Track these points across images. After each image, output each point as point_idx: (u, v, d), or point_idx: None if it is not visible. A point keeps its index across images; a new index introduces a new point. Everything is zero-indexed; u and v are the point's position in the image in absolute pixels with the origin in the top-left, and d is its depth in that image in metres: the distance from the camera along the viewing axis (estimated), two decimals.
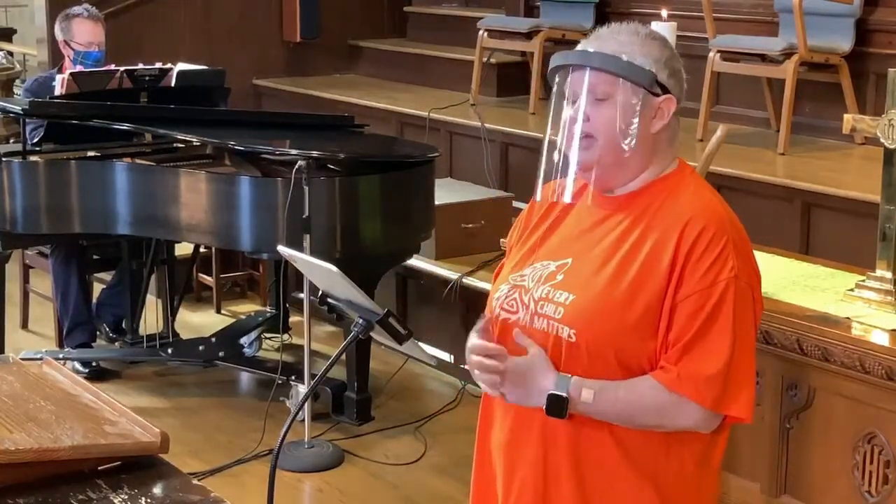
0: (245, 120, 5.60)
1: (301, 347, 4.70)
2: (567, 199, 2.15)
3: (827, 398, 3.04)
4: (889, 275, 3.07)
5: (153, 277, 5.38)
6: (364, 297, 2.48)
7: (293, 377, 4.70)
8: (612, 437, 2.08)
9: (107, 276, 5.75)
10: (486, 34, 6.60)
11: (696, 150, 5.15)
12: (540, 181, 2.17)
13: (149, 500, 2.00)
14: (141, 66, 5.23)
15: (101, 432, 2.13)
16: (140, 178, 4.74)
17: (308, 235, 4.32)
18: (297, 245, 4.12)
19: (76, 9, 5.50)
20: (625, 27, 2.15)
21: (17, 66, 8.65)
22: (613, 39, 2.12)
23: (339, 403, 4.82)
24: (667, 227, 2.07)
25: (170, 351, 5.17)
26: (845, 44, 5.34)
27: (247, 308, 6.19)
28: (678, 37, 3.86)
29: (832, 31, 5.36)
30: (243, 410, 4.92)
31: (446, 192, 5.37)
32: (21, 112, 4.92)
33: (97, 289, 5.69)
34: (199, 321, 6.01)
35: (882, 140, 3.05)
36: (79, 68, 5.28)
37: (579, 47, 2.16)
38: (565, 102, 2.13)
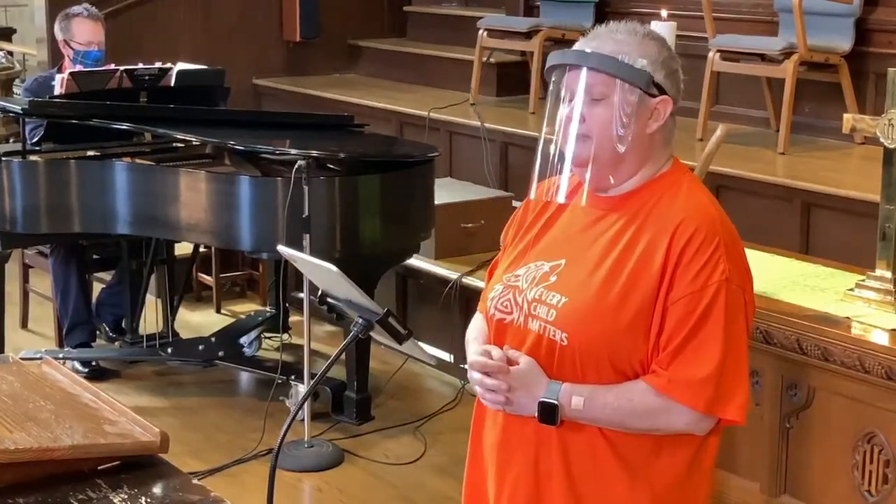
0: (245, 120, 5.60)
1: (301, 347, 4.70)
2: (561, 199, 2.14)
3: (827, 398, 3.04)
4: (889, 274, 3.07)
5: (153, 277, 5.38)
6: (364, 296, 2.47)
7: (293, 377, 4.70)
8: (604, 438, 2.08)
9: (106, 275, 5.75)
10: (485, 34, 6.60)
11: (696, 149, 5.15)
12: (535, 179, 2.16)
13: (148, 500, 2.00)
14: (140, 65, 5.22)
15: (100, 432, 2.13)
16: (140, 178, 4.74)
17: (308, 235, 4.32)
18: (296, 245, 4.12)
19: (76, 8, 5.49)
20: (623, 26, 2.14)
21: (17, 65, 8.63)
22: (611, 39, 2.11)
23: (338, 403, 4.82)
24: (659, 228, 2.06)
25: (169, 350, 5.17)
26: (845, 43, 5.34)
27: (246, 308, 6.19)
28: (678, 36, 3.86)
29: (832, 31, 5.36)
30: (243, 410, 4.92)
31: (446, 192, 5.37)
32: (21, 112, 4.91)
33: (97, 288, 5.69)
34: (198, 321, 6.01)
35: (882, 140, 3.04)
36: (78, 68, 5.28)
37: (577, 46, 2.14)
38: (561, 102, 2.12)
